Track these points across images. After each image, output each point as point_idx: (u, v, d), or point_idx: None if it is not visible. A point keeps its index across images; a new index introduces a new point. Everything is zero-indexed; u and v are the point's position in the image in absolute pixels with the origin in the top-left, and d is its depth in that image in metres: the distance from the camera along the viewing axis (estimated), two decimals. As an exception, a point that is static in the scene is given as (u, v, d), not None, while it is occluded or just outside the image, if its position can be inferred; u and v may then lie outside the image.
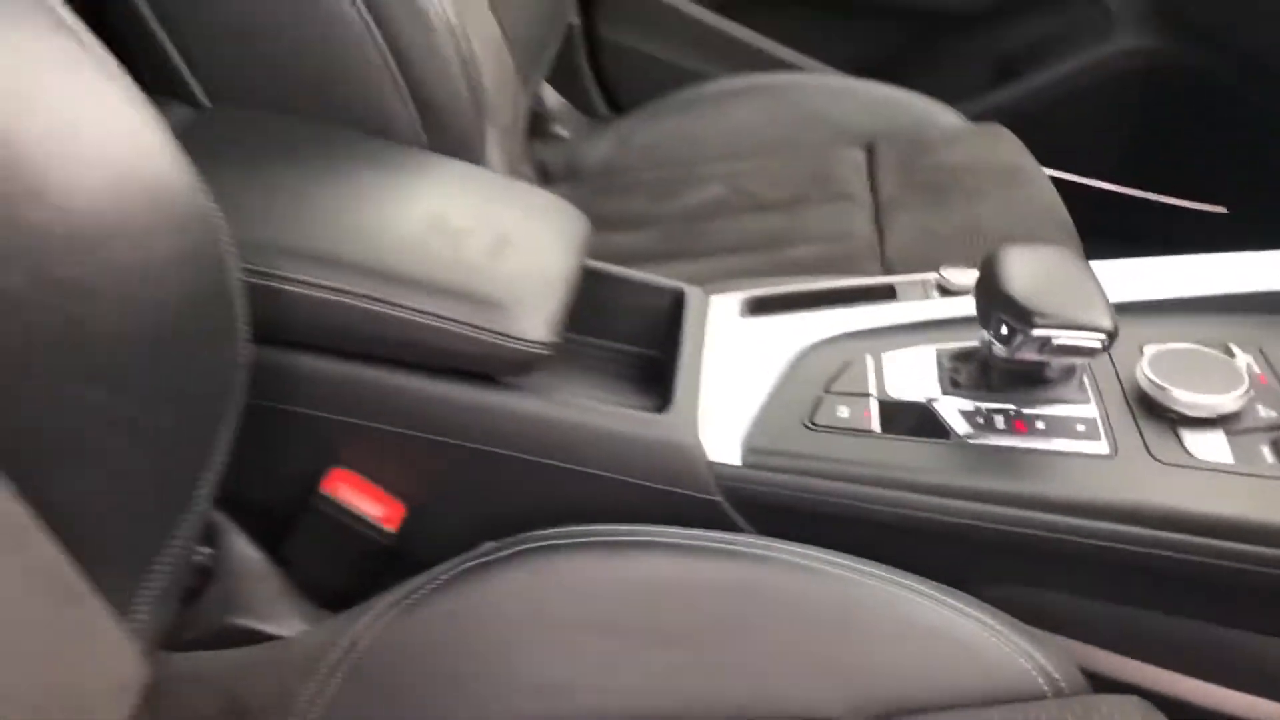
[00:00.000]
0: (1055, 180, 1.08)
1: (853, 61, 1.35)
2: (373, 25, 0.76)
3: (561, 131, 1.29)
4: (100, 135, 0.52)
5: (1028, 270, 0.65)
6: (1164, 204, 1.32)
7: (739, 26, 1.37)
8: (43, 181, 0.49)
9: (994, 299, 0.64)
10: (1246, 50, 1.08)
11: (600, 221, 1.10)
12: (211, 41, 0.78)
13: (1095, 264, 0.69)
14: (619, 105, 1.42)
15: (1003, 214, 1.01)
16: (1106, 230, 1.07)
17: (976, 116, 1.24)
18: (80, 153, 0.51)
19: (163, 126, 0.54)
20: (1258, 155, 1.23)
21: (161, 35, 0.79)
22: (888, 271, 0.96)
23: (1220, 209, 1.29)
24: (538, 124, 1.28)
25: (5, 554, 0.47)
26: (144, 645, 0.54)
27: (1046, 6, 1.35)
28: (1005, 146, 1.13)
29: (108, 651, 0.52)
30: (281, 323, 0.62)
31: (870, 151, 1.16)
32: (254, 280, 0.60)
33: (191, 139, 0.55)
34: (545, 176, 1.24)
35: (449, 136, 0.82)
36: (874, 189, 1.10)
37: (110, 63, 0.54)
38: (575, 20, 1.36)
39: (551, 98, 1.31)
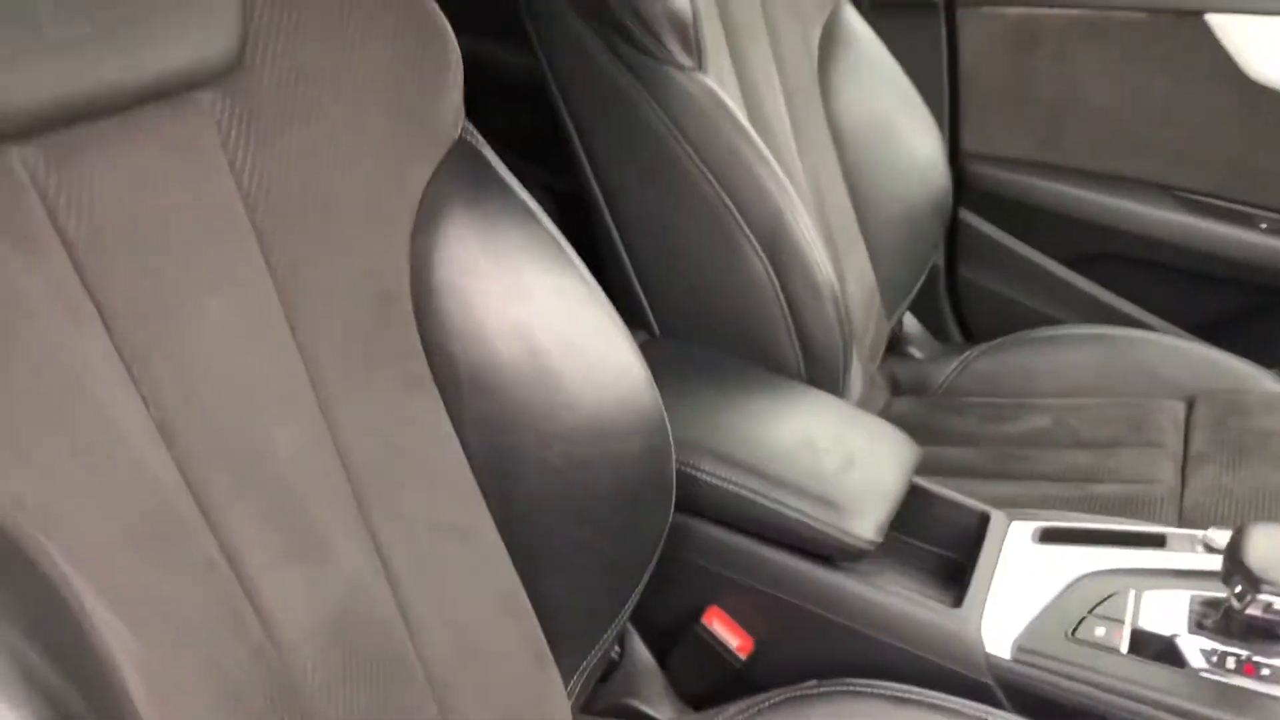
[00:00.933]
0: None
1: (1186, 318, 1.51)
2: (778, 288, 1.06)
3: (915, 353, 1.54)
4: (602, 354, 0.83)
5: (1269, 544, 0.82)
6: None
7: (1081, 278, 1.57)
8: (570, 392, 0.80)
9: (1235, 563, 0.81)
10: None
11: (937, 435, 1.34)
12: (667, 285, 1.11)
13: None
14: (970, 334, 1.65)
15: (1300, 484, 1.14)
16: None
17: (1301, 384, 1.36)
18: (590, 368, 0.82)
19: (637, 349, 0.84)
20: None
21: (632, 274, 1.13)
22: (1182, 519, 1.12)
23: None
24: (895, 343, 1.53)
25: (509, 619, 0.77)
26: (573, 707, 0.82)
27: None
28: (1318, 420, 1.25)
29: (553, 705, 0.81)
30: (692, 497, 0.91)
31: (1189, 407, 1.31)
32: (680, 467, 0.89)
33: (647, 359, 0.85)
34: (895, 388, 1.49)
35: (821, 368, 1.10)
36: (1185, 442, 1.25)
37: (602, 295, 0.84)
38: (939, 261, 1.61)
39: (910, 323, 1.56)
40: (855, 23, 1.38)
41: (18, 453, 0.53)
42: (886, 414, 1.41)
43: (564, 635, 0.81)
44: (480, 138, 0.79)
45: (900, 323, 1.53)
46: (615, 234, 1.13)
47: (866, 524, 0.90)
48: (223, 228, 0.64)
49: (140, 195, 0.60)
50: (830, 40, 1.35)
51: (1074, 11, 1.50)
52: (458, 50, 0.77)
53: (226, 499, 0.62)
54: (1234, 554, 0.82)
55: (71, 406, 0.55)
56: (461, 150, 0.77)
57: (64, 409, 0.55)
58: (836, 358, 1.10)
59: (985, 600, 0.91)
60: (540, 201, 1.54)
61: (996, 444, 1.32)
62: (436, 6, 0.75)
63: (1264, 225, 1.47)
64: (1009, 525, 1.00)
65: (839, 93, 1.34)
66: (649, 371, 0.82)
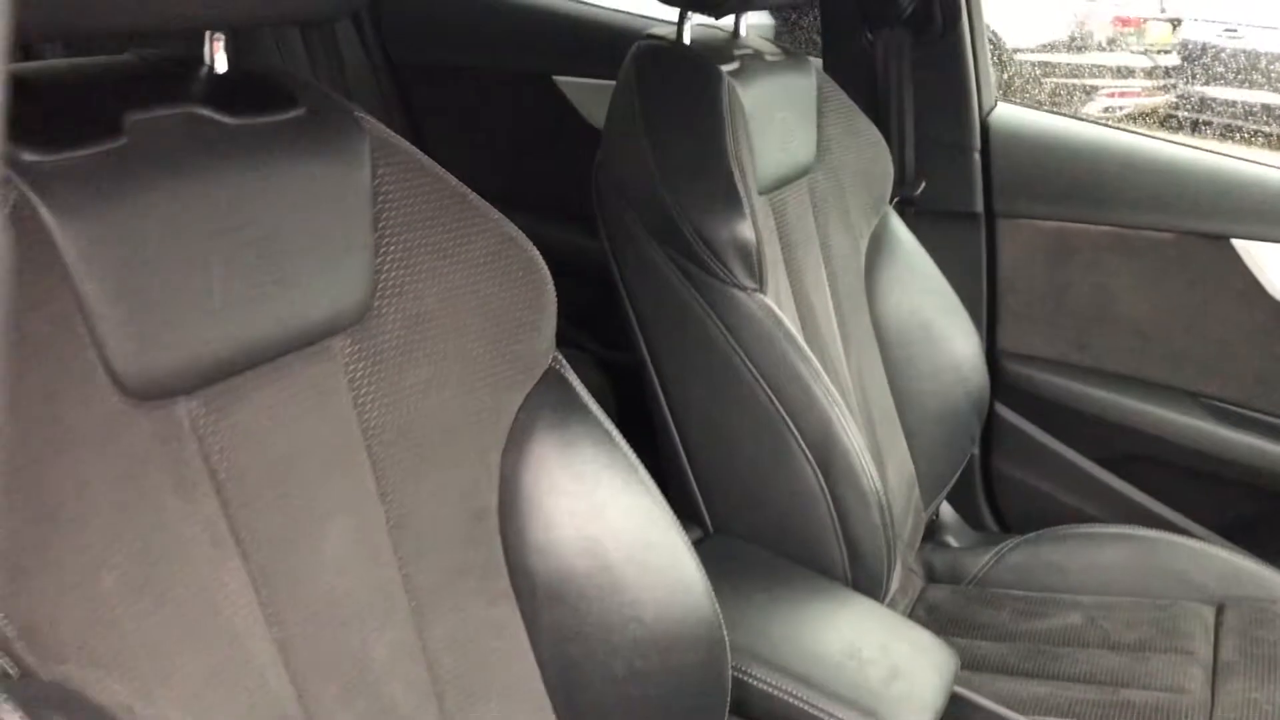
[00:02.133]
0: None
1: (1215, 521, 1.56)
2: (828, 494, 1.13)
3: (951, 541, 1.59)
4: (668, 570, 0.89)
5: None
6: None
7: (1114, 477, 1.63)
8: (637, 605, 0.86)
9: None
10: None
11: (971, 627, 1.39)
12: (723, 485, 1.18)
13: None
14: (1005, 525, 1.70)
15: (1328, 704, 1.17)
16: None
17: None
18: (657, 583, 0.88)
19: (693, 550, 0.90)
20: None
21: (689, 470, 1.20)
22: (1212, 738, 1.15)
23: None
24: (931, 531, 1.59)
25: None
26: None
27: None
28: (1347, 637, 1.29)
29: None
30: (743, 701, 0.96)
31: (1218, 613, 1.35)
32: (733, 672, 0.94)
33: (699, 557, 0.91)
34: (931, 574, 1.54)
35: (866, 570, 1.16)
36: (1215, 650, 1.29)
37: (669, 512, 0.91)
38: (976, 454, 1.68)
39: (947, 512, 1.61)
40: (900, 231, 1.48)
41: (164, 678, 0.59)
42: (921, 601, 1.45)
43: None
44: (568, 366, 0.88)
45: (937, 511, 1.59)
46: (674, 429, 1.20)
47: (907, 736, 0.95)
48: (344, 459, 0.72)
49: (279, 435, 0.68)
50: (877, 247, 1.44)
51: (1106, 228, 1.60)
52: (554, 290, 0.86)
53: (333, 709, 0.69)
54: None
55: (212, 633, 0.62)
56: (551, 377, 0.86)
57: (205, 635, 0.62)
58: (881, 561, 1.16)
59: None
60: (589, 370, 1.64)
61: (1029, 640, 1.36)
62: (537, 252, 0.85)
63: (1290, 437, 1.54)
64: (1041, 737, 1.04)
65: (884, 296, 1.43)
66: (710, 585, 0.88)
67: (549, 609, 0.83)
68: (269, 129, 0.70)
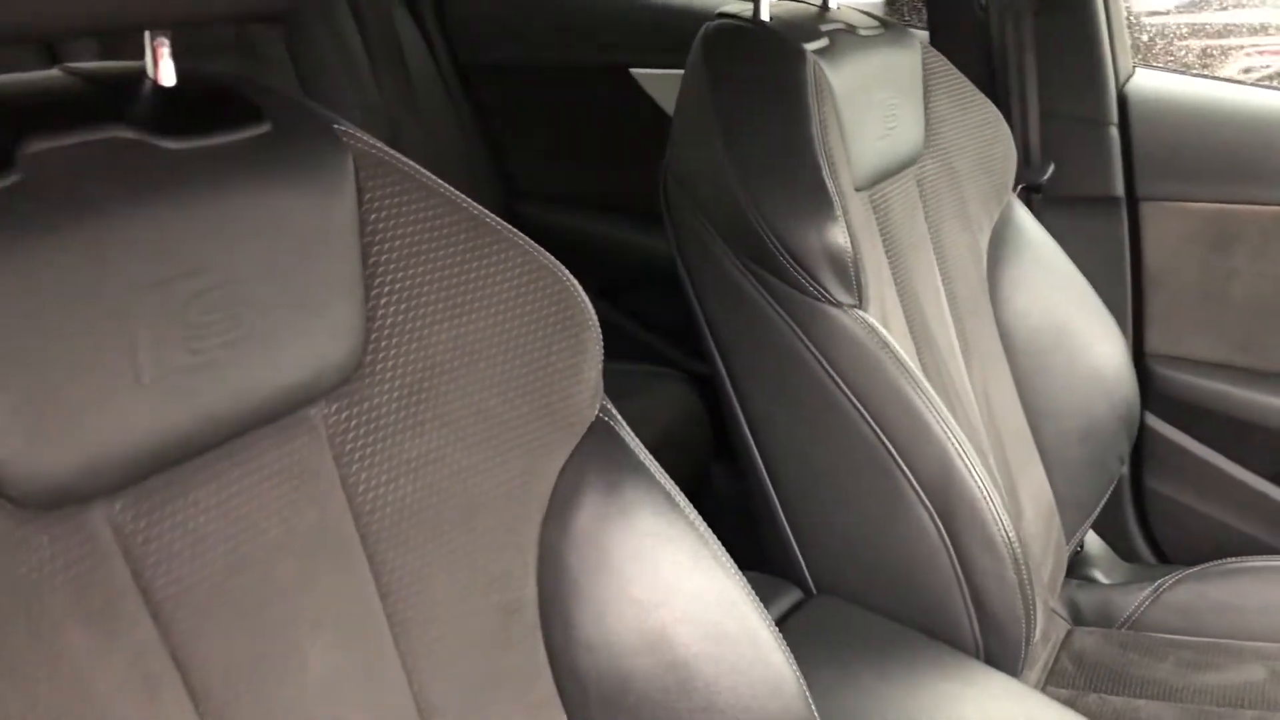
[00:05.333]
0: None
1: None
2: (950, 546, 0.95)
3: (1100, 577, 1.39)
4: (751, 666, 0.73)
5: None
6: None
7: (1294, 498, 1.40)
8: (714, 711, 0.70)
9: None
10: None
11: (1125, 682, 1.19)
12: (823, 535, 1.00)
13: None
14: (1164, 556, 1.48)
15: None
16: None
17: None
18: (738, 683, 0.72)
19: (780, 639, 0.73)
20: None
21: (783, 518, 1.03)
22: None
23: None
24: (1076, 565, 1.39)
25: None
26: None
27: None
28: None
29: None
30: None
31: None
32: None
33: (798, 622, 0.75)
34: (1077, 616, 1.33)
35: (1000, 639, 0.97)
36: None
37: (750, 593, 0.74)
38: (1125, 472, 1.46)
39: (1093, 542, 1.41)
40: (1027, 222, 1.29)
41: None
42: (1066, 649, 1.26)
43: None
44: (618, 417, 0.72)
45: (1082, 543, 1.39)
46: (763, 470, 1.04)
47: None
48: (331, 556, 0.58)
49: (241, 537, 0.54)
50: (1000, 243, 1.26)
51: (1275, 208, 1.37)
52: (597, 325, 0.70)
53: None
54: None
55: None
56: (598, 431, 0.70)
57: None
58: (1019, 627, 0.98)
59: None
60: (679, 386, 1.45)
61: (1198, 699, 1.16)
62: (575, 282, 0.69)
63: None
64: None
65: (1010, 299, 1.25)
66: (802, 680, 0.72)
67: (605, 714, 0.68)
68: (222, 152, 0.55)
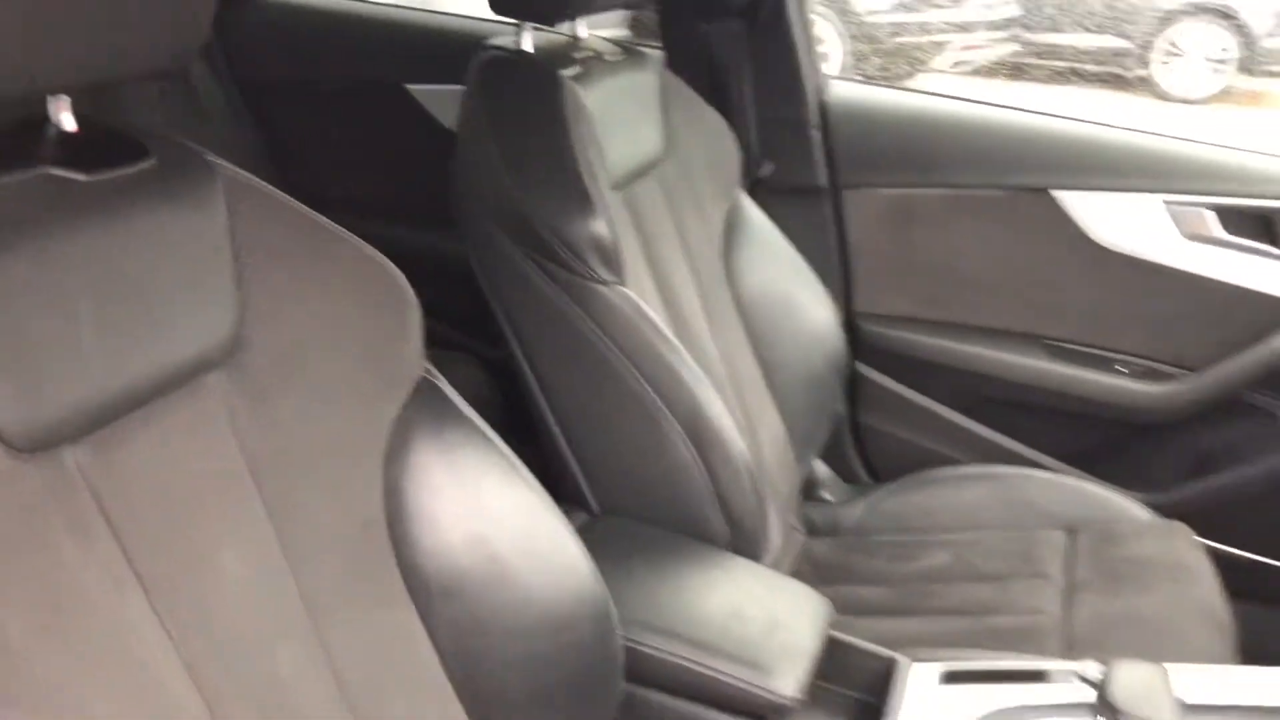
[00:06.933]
0: (1230, 557, 1.35)
1: (1064, 453, 1.69)
2: (702, 469, 1.21)
3: (828, 496, 1.69)
4: (553, 556, 0.95)
5: (1131, 680, 0.96)
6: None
7: (970, 421, 1.75)
8: (527, 592, 0.92)
9: (1103, 700, 0.95)
10: None
11: (850, 574, 1.48)
12: (603, 469, 1.24)
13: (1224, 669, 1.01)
14: (876, 475, 1.81)
15: (1167, 607, 1.30)
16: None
17: (1164, 506, 1.53)
18: (544, 570, 0.94)
19: (576, 536, 0.96)
20: None
21: (570, 457, 1.26)
22: (1067, 647, 1.26)
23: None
24: (809, 488, 1.68)
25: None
26: None
27: (1227, 423, 1.65)
28: (1181, 545, 1.42)
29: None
30: (638, 669, 1.03)
31: (1071, 537, 1.48)
32: (626, 643, 1.01)
33: (588, 538, 0.96)
34: (811, 530, 1.63)
35: (743, 534, 1.24)
36: (1068, 572, 1.41)
37: (551, 502, 0.97)
38: (842, 410, 1.78)
39: (821, 469, 1.71)
40: (753, 212, 1.56)
41: (86, 712, 0.63)
42: (804, 556, 1.55)
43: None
44: (439, 375, 0.92)
45: (813, 470, 1.68)
46: (552, 421, 1.26)
47: (789, 682, 1.03)
48: (231, 489, 0.76)
49: (167, 473, 0.72)
50: (732, 230, 1.52)
51: (943, 190, 1.71)
52: (416, 302, 0.90)
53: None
54: (1103, 689, 0.96)
55: (123, 668, 0.66)
56: (423, 387, 0.90)
57: (116, 671, 0.66)
58: (756, 524, 1.24)
59: (899, 741, 1.04)
60: (472, 369, 1.67)
61: (903, 582, 1.46)
62: (397, 270, 0.89)
63: (1119, 368, 1.67)
64: (913, 669, 1.13)
65: (743, 275, 1.51)
66: (594, 565, 0.95)
67: (444, 606, 0.88)
68: (122, 183, 0.73)
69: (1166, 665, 0.99)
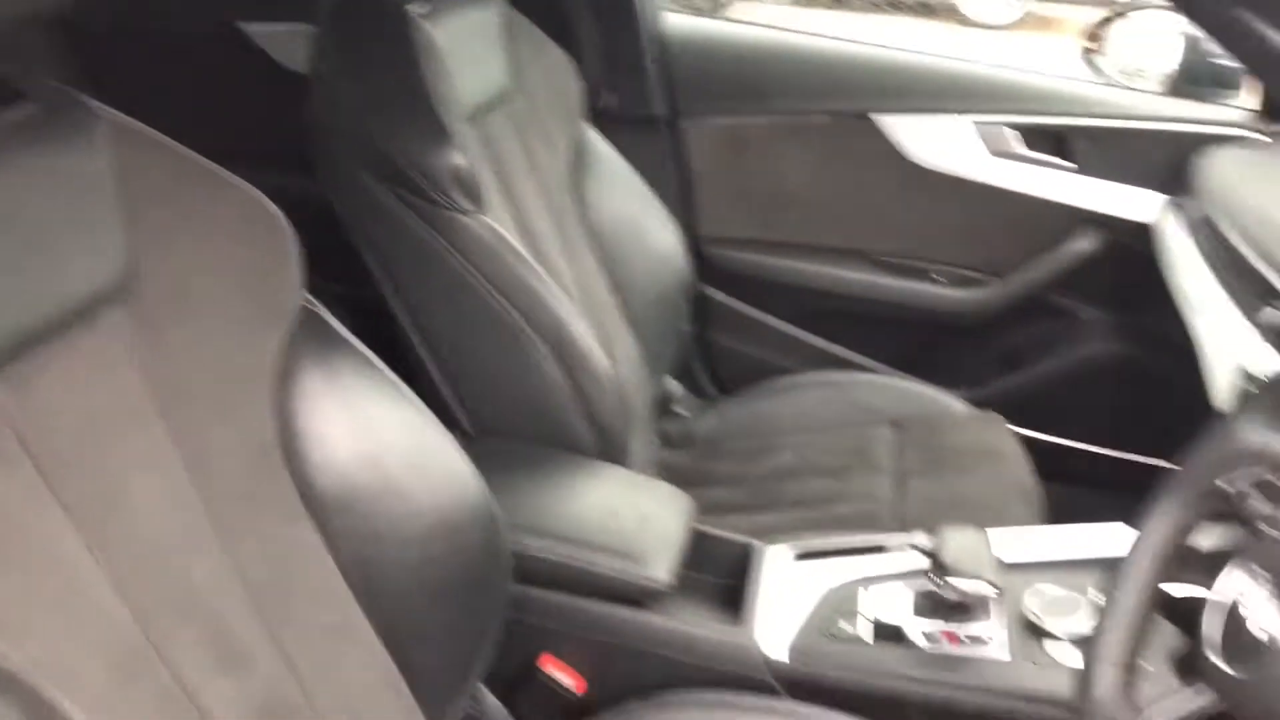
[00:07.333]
0: (1037, 441, 1.53)
1: (890, 357, 1.85)
2: (568, 382, 1.29)
3: (681, 410, 1.80)
4: (439, 468, 1.01)
5: (957, 543, 1.10)
6: (1120, 458, 1.77)
7: (806, 333, 1.90)
8: (417, 502, 0.99)
9: (935, 561, 1.09)
10: (1178, 345, 1.52)
11: (707, 479, 1.60)
12: (476, 392, 1.31)
13: (1033, 530, 1.17)
14: (724, 388, 1.93)
15: (984, 487, 1.46)
16: (1080, 476, 1.51)
17: (979, 400, 1.70)
18: (431, 481, 1.01)
19: (467, 459, 1.03)
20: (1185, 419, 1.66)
21: (442, 384, 1.32)
22: (900, 526, 1.41)
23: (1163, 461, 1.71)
24: (663, 404, 1.79)
25: (389, 694, 0.95)
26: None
27: (1031, 322, 1.84)
28: (995, 433, 1.59)
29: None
30: (523, 569, 1.11)
31: (898, 431, 1.63)
32: (512, 547, 1.09)
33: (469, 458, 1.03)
34: (668, 443, 1.74)
35: (609, 442, 1.33)
36: (897, 461, 1.56)
37: (434, 419, 1.03)
38: (688, 329, 1.88)
39: (673, 386, 1.81)
40: (598, 143, 1.63)
41: (27, 629, 0.68)
42: (663, 467, 1.65)
43: (433, 701, 0.99)
44: (319, 305, 0.97)
45: (667, 387, 1.79)
46: (424, 349, 1.32)
47: (662, 569, 1.13)
48: (138, 418, 0.80)
49: (76, 402, 0.76)
50: (580, 160, 1.59)
51: (773, 119, 1.82)
52: (295, 239, 0.95)
53: (170, 630, 0.78)
54: (934, 554, 1.10)
55: (56, 586, 0.70)
56: (305, 316, 0.95)
57: (50, 589, 0.70)
58: (622, 433, 1.34)
59: (759, 616, 1.16)
60: (340, 313, 1.72)
61: (753, 482, 1.59)
62: (276, 208, 0.93)
63: (936, 277, 1.84)
64: (769, 551, 1.26)
65: (593, 204, 1.59)
66: (478, 473, 1.02)
67: (340, 519, 0.93)
68: (2, 127, 0.76)
69: (987, 530, 1.13)
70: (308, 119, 1.28)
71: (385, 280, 1.28)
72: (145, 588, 0.77)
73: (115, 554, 0.75)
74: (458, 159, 1.23)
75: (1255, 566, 0.71)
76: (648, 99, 1.82)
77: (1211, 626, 0.73)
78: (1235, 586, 0.72)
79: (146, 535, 0.78)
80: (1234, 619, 0.71)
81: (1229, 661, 0.71)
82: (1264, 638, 0.68)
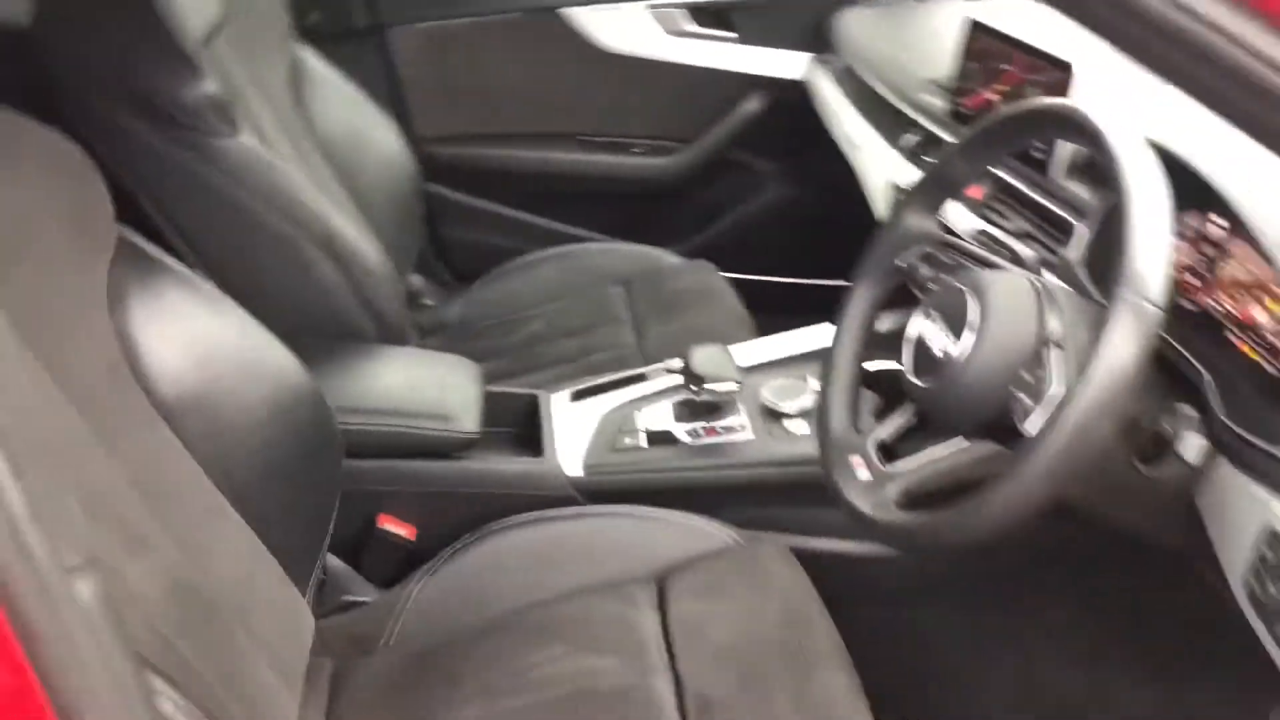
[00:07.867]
0: (743, 281, 1.83)
1: (608, 226, 2.09)
2: (344, 280, 1.41)
3: (428, 301, 1.95)
4: (267, 363, 1.13)
5: (703, 357, 1.35)
6: (810, 284, 2.11)
7: (532, 215, 2.09)
8: (252, 395, 1.11)
9: (689, 373, 1.34)
10: (839, 186, 1.84)
11: (468, 355, 1.77)
12: (258, 302, 1.40)
13: (757, 341, 1.42)
14: (462, 277, 2.09)
15: (706, 319, 1.73)
16: (780, 305, 1.82)
17: (690, 251, 1.97)
18: (262, 375, 1.13)
19: (290, 352, 1.16)
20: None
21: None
22: (646, 362, 1.65)
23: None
24: (412, 298, 1.93)
25: (261, 562, 1.09)
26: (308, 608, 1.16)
27: (720, 179, 2.13)
28: (706, 276, 1.86)
29: (303, 615, 1.13)
30: (352, 444, 1.25)
31: (627, 287, 1.86)
32: (340, 425, 1.23)
33: None
34: (422, 333, 1.89)
35: (387, 325, 1.47)
36: (633, 312, 1.80)
37: (254, 320, 1.15)
38: (425, 226, 2.02)
39: (417, 280, 1.96)
40: (311, 60, 1.72)
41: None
42: (425, 333, 1.81)
43: (293, 564, 1.13)
44: (133, 231, 1.06)
45: (411, 282, 1.93)
46: (207, 274, 1.39)
47: (469, 422, 1.32)
48: (7, 351, 0.88)
49: None
50: (298, 78, 1.68)
51: (473, 20, 1.96)
52: (100, 174, 1.03)
53: (84, 522, 0.88)
54: (687, 369, 1.34)
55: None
56: (123, 245, 1.04)
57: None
58: (399, 317, 1.49)
59: (555, 447, 1.37)
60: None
61: (512, 351, 1.77)
62: (80, 148, 1.01)
63: (635, 149, 2.08)
64: (550, 398, 1.46)
65: (319, 116, 1.68)
66: (306, 373, 1.15)
67: (189, 420, 1.04)
68: None
69: (726, 346, 1.39)
70: (49, 69, 1.29)
71: (158, 214, 1.34)
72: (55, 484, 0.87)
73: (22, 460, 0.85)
74: (209, 86, 1.30)
75: (931, 310, 0.99)
76: (350, 11, 1.91)
77: (907, 356, 1.01)
78: (919, 327, 1.00)
79: (44, 439, 0.87)
80: (920, 347, 0.99)
81: (919, 376, 0.99)
82: (940, 355, 0.96)
